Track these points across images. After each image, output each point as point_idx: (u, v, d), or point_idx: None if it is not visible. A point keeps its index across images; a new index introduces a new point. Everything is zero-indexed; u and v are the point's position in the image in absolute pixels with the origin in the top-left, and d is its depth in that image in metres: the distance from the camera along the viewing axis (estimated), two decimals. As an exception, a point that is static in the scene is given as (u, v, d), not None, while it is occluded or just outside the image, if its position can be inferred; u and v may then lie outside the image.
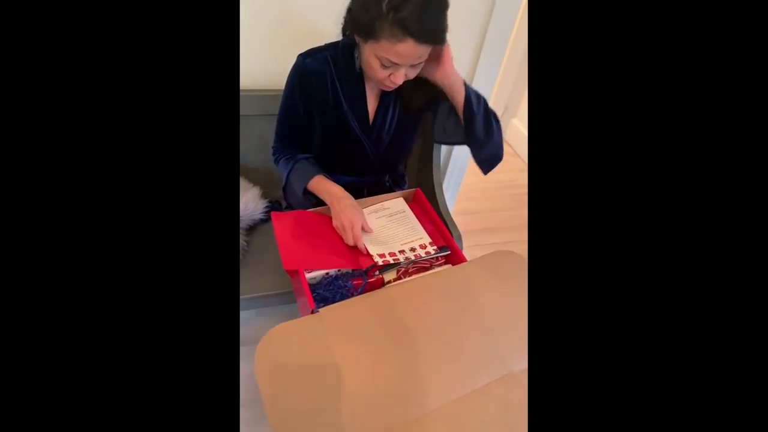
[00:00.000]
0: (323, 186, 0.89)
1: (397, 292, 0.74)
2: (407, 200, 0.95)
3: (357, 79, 0.86)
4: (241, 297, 1.04)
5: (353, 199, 0.86)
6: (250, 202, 1.09)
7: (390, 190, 1.04)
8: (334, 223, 0.84)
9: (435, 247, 0.83)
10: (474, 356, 0.67)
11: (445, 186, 1.65)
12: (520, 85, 2.38)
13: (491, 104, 0.86)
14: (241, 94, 1.15)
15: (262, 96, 1.16)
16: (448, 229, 1.10)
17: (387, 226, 0.87)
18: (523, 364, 0.67)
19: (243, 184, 1.15)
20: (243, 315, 1.39)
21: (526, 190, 2.16)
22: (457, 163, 1.62)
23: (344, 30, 0.80)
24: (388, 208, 0.91)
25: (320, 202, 0.93)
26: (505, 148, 2.46)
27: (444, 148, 1.48)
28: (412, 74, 0.78)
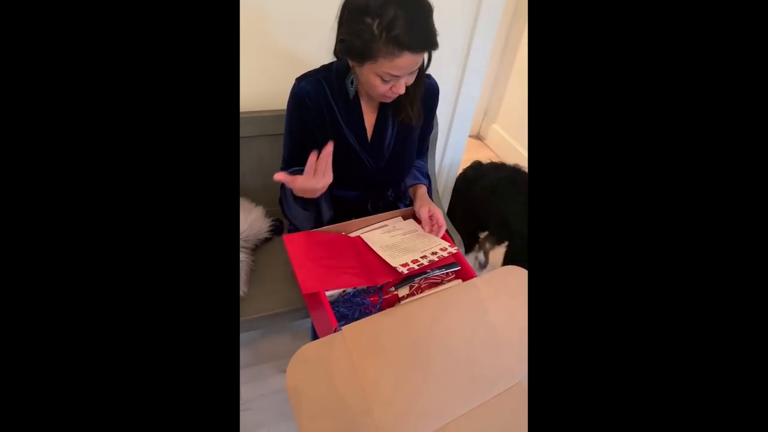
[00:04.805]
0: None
1: (414, 309, 0.78)
2: (409, 215, 0.99)
3: (353, 98, 0.90)
4: (251, 317, 1.05)
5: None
6: (256, 221, 1.10)
7: (393, 204, 1.08)
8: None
9: (455, 248, 0.87)
10: (485, 370, 0.73)
11: (441, 191, 1.69)
12: (497, 92, 2.47)
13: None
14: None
15: (259, 117, 1.18)
16: (450, 236, 1.14)
17: (404, 240, 0.90)
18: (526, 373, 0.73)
19: (246, 204, 1.16)
20: (251, 335, 1.41)
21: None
22: (452, 169, 1.67)
23: (336, 55, 0.84)
24: (401, 229, 0.94)
25: (318, 220, 0.96)
26: (488, 153, 2.54)
27: (437, 153, 1.53)
28: (411, 80, 0.83)
